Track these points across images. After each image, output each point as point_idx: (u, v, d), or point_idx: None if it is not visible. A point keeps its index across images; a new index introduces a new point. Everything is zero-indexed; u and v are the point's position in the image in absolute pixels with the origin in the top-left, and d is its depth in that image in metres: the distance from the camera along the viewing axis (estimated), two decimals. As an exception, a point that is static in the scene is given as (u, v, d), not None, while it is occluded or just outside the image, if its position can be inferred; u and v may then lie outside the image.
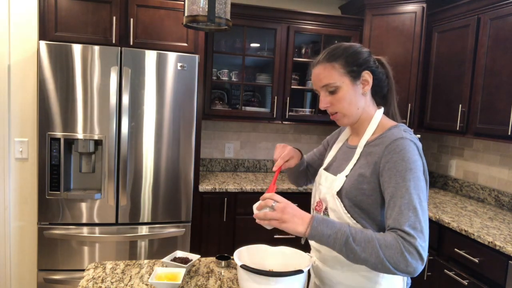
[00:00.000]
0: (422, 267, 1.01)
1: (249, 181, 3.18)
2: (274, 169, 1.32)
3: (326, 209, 1.21)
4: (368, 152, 1.17)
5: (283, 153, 1.35)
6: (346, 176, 1.18)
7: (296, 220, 1.06)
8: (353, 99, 1.18)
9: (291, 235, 2.96)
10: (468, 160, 3.08)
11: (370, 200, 1.13)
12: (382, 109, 1.24)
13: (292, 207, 1.08)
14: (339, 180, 1.18)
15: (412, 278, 1.29)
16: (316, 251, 1.27)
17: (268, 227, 1.14)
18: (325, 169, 1.32)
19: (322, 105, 1.21)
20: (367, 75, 1.18)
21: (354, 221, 1.14)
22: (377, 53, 1.27)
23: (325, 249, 1.21)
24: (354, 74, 1.17)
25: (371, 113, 1.22)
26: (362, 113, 1.21)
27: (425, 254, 1.01)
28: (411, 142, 1.10)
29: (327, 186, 1.23)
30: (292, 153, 1.37)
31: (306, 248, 1.32)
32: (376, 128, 1.20)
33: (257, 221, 1.12)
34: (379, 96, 1.26)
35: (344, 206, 1.16)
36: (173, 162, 2.66)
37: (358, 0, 3.28)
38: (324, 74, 1.17)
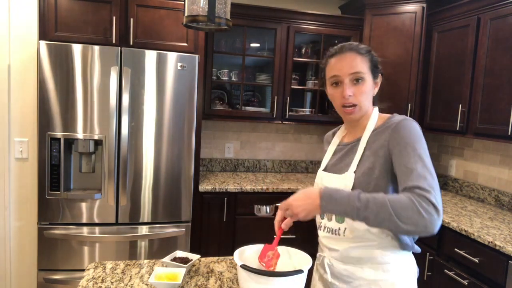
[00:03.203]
0: (440, 221, 1.03)
1: (249, 181, 3.18)
2: (277, 232, 1.24)
3: None
4: (372, 142, 1.22)
5: (285, 221, 1.24)
6: (354, 172, 1.21)
7: (306, 201, 1.10)
8: (369, 95, 1.26)
9: (291, 235, 2.97)
10: (468, 160, 3.08)
11: (383, 183, 1.16)
12: (377, 108, 1.32)
13: (294, 198, 1.13)
14: (349, 177, 1.21)
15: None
16: (333, 250, 1.27)
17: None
18: (324, 169, 1.34)
19: (348, 92, 1.21)
20: (380, 78, 1.30)
21: None
22: (377, 53, 1.32)
23: (344, 247, 1.23)
24: (374, 73, 1.27)
25: (370, 111, 1.30)
26: (367, 110, 1.28)
27: (440, 207, 1.03)
28: (414, 122, 1.18)
29: (335, 185, 1.23)
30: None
31: (307, 248, 1.32)
32: (376, 122, 1.28)
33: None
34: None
35: None
36: (173, 162, 2.66)
37: (358, 0, 3.28)
38: (357, 61, 1.22)
